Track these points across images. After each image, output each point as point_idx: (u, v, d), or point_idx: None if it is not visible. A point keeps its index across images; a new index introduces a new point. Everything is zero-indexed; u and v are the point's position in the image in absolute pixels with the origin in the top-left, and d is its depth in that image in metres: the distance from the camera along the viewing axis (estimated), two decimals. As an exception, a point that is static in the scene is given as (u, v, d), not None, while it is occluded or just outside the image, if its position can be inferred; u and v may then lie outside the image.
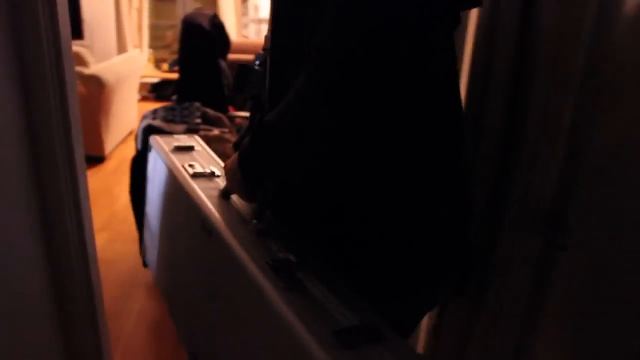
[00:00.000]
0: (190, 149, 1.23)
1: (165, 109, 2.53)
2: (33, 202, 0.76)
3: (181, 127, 2.30)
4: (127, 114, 4.05)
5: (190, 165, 1.10)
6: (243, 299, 0.78)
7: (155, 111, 2.49)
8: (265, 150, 0.78)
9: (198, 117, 2.48)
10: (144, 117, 2.44)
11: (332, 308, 0.68)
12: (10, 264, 0.74)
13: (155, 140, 1.25)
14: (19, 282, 0.76)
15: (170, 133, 2.15)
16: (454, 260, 0.88)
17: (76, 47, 3.57)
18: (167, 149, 1.21)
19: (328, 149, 0.74)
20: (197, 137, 1.32)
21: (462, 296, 0.95)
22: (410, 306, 0.91)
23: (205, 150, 1.24)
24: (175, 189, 1.07)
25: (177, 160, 1.14)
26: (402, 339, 0.66)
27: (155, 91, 5.63)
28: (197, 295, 0.96)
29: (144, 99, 5.53)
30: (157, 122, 2.31)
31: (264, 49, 0.91)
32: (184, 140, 1.27)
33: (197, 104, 2.58)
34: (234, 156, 0.89)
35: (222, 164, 1.17)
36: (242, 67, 0.92)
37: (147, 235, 1.35)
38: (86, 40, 4.53)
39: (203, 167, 1.10)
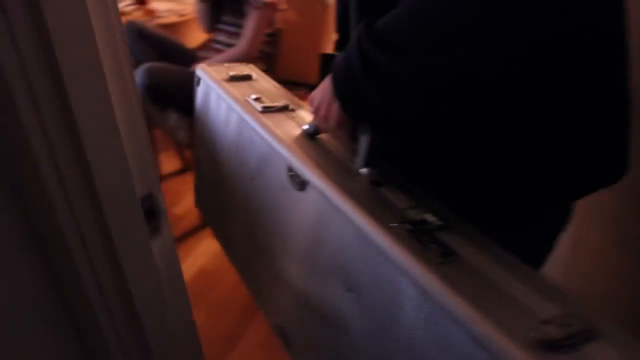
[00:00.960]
0: (247, 78, 1.00)
1: None
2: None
3: None
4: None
5: (257, 99, 0.87)
6: (367, 275, 0.59)
7: None
8: (382, 65, 0.55)
9: None
10: None
11: (516, 292, 0.48)
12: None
13: (203, 70, 1.02)
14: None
15: None
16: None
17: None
18: (218, 77, 0.98)
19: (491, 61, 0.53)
20: (251, 65, 1.08)
21: None
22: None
23: (265, 79, 1.01)
24: (242, 129, 0.86)
25: (237, 92, 0.91)
26: (623, 334, 0.46)
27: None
28: (287, 264, 0.77)
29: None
30: None
31: None
32: (238, 68, 1.04)
33: None
34: (324, 83, 0.66)
35: (288, 94, 0.94)
36: (326, 57, 0.69)
37: (200, 180, 1.16)
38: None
39: (271, 100, 0.88)
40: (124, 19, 2.25)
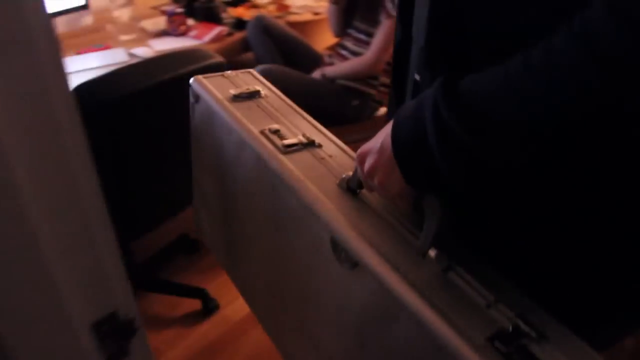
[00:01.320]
0: (255, 95, 0.85)
1: None
2: None
3: None
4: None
5: (275, 132, 0.73)
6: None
7: None
8: (465, 145, 0.43)
9: None
10: None
11: None
12: None
13: (201, 84, 0.86)
14: None
15: None
16: None
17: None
18: (221, 97, 0.82)
19: None
20: (254, 73, 0.92)
21: None
22: None
23: (277, 95, 0.86)
24: (260, 171, 0.72)
25: (249, 120, 0.76)
26: None
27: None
28: (325, 334, 0.67)
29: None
30: None
31: None
32: (242, 81, 0.88)
33: None
34: (379, 140, 0.53)
35: (306, 118, 0.80)
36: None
37: (202, 210, 1.02)
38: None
39: (294, 133, 0.74)
40: (256, 11, 2.08)
